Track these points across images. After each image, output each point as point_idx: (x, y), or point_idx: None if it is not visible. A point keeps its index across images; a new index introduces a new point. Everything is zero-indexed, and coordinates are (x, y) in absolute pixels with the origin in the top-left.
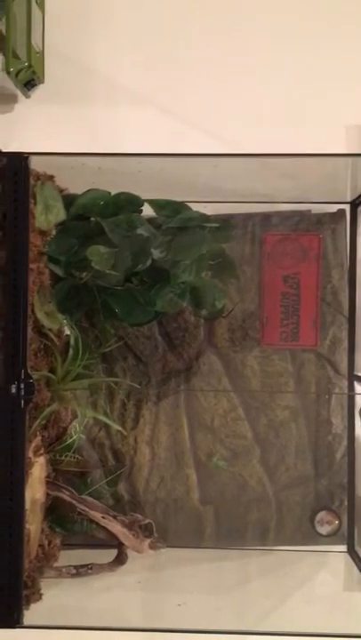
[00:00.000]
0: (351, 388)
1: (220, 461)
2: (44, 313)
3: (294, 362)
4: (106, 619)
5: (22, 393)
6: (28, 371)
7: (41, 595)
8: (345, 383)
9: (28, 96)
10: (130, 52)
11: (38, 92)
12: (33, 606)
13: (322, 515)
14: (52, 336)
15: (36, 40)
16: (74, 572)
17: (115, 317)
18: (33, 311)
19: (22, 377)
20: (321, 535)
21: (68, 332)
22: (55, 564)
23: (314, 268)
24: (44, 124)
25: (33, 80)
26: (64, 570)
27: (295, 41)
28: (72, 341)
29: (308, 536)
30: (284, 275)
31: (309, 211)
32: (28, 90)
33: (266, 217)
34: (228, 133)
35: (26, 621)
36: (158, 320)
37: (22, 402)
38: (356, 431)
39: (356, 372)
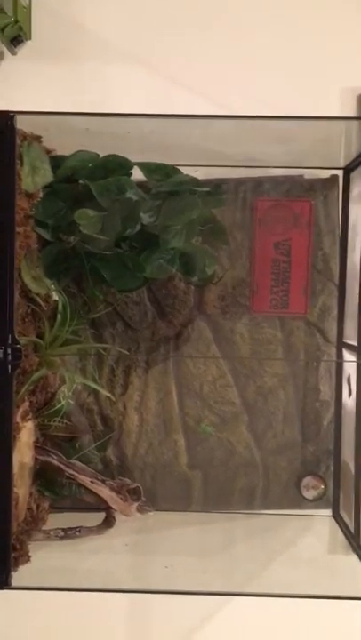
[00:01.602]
0: (340, 355)
1: (207, 427)
2: (32, 277)
3: (284, 329)
4: (94, 580)
5: (9, 358)
6: (16, 336)
7: (29, 557)
8: (334, 351)
9: (14, 53)
10: (120, 8)
11: (25, 48)
12: (21, 568)
13: (308, 479)
14: (39, 301)
15: None
16: (62, 534)
17: (103, 283)
18: (20, 276)
19: (9, 342)
20: (307, 500)
21: (56, 297)
22: (44, 527)
23: (305, 235)
24: (30, 83)
25: (20, 36)
26: (52, 533)
27: (290, 1)
28: (60, 307)
29: (294, 500)
30: (275, 241)
31: (302, 176)
32: (15, 46)
33: (257, 182)
34: (221, 95)
35: (14, 583)
36: (148, 286)
37: (9, 367)
38: (343, 398)
39: (345, 340)
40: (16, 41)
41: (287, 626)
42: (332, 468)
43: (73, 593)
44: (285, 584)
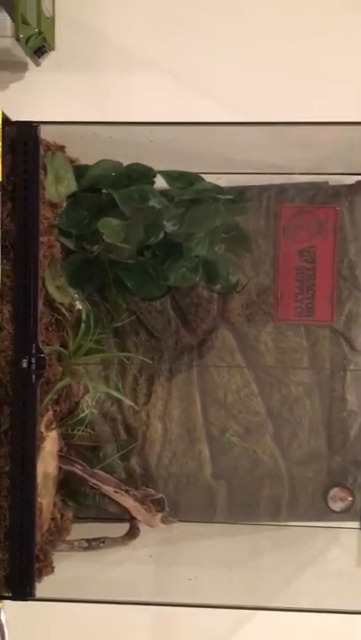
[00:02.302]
0: None
1: (232, 437)
2: (55, 287)
3: (309, 337)
4: (118, 592)
5: (33, 367)
6: (40, 345)
7: (53, 568)
8: None
9: (38, 64)
10: (142, 18)
11: (49, 59)
12: (45, 579)
13: (335, 491)
14: (63, 310)
15: (46, 5)
16: (86, 545)
17: (127, 291)
18: (44, 285)
19: (33, 351)
20: (334, 511)
21: (79, 306)
22: (67, 538)
23: (330, 242)
24: (54, 93)
25: (43, 47)
26: (76, 543)
27: (313, 4)
28: (83, 316)
29: (321, 512)
30: (300, 248)
31: (326, 182)
32: (39, 57)
33: (281, 189)
34: (244, 103)
35: (38, 594)
36: (171, 295)
37: (33, 376)
38: None
39: None
40: (40, 52)
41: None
42: (360, 480)
43: (97, 605)
44: (313, 598)
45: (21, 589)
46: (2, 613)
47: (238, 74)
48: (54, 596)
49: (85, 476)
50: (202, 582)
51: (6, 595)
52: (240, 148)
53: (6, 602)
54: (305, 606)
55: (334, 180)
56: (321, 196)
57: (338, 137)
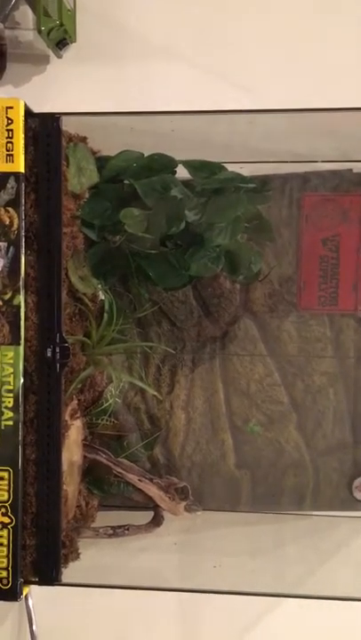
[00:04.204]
0: None
1: (255, 426)
2: (79, 277)
3: (333, 327)
4: (143, 579)
5: (58, 357)
6: (63, 335)
7: (79, 554)
8: None
9: (59, 56)
10: (163, 8)
11: (70, 51)
12: (71, 565)
13: (359, 481)
14: (86, 300)
15: None
16: (111, 532)
17: (149, 281)
18: (67, 276)
19: (57, 341)
20: (359, 501)
21: (102, 296)
22: (92, 525)
23: (355, 230)
24: (76, 85)
25: (65, 39)
26: (101, 530)
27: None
28: (106, 306)
29: (346, 502)
30: (323, 237)
31: (350, 170)
32: (60, 49)
33: (305, 177)
34: (266, 90)
35: (64, 579)
36: (193, 285)
37: (58, 365)
38: None
39: None
40: (61, 44)
41: (339, 629)
42: None
43: (121, 591)
44: (336, 586)
45: (48, 574)
46: (29, 599)
47: (260, 61)
48: (80, 582)
49: (110, 464)
50: (227, 570)
51: (33, 580)
52: (262, 136)
53: (33, 587)
54: (329, 594)
55: (359, 168)
56: (345, 184)
57: None
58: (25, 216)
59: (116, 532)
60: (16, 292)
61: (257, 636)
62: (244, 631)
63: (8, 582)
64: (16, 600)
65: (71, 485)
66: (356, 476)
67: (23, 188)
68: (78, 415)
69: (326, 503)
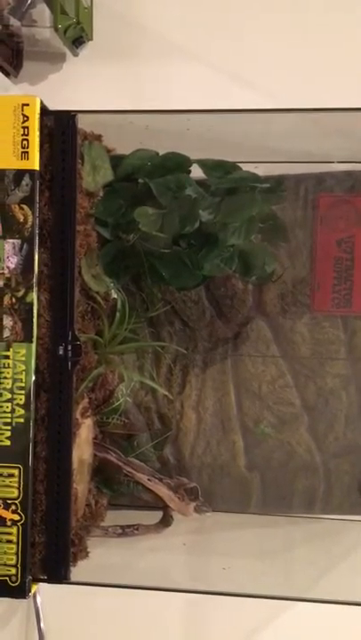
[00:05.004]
0: None
1: (266, 428)
2: (91, 276)
3: (346, 329)
4: (151, 578)
5: (69, 355)
6: (76, 333)
7: (87, 552)
8: None
9: (76, 54)
10: (180, 7)
11: (87, 49)
12: (80, 563)
13: None
14: (99, 299)
15: None
16: (120, 531)
17: (162, 281)
18: (80, 274)
19: (69, 339)
20: None
21: (115, 295)
22: (102, 524)
23: None
24: (92, 83)
25: (81, 37)
26: (110, 529)
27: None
28: (119, 305)
29: (357, 505)
30: (338, 238)
31: None
32: (77, 47)
33: (319, 178)
34: (281, 90)
35: (73, 578)
36: (206, 285)
37: (69, 363)
38: None
39: None
40: (78, 42)
41: (348, 633)
42: None
43: (129, 590)
44: (347, 591)
45: (57, 572)
46: (37, 597)
47: (277, 61)
48: (89, 580)
49: (120, 463)
50: (236, 572)
51: (42, 577)
52: (277, 136)
53: (42, 585)
54: (339, 598)
55: None
56: (360, 185)
57: None
58: (39, 213)
59: (126, 531)
60: (29, 289)
61: (265, 639)
62: (252, 634)
63: (17, 579)
64: (24, 597)
65: (81, 484)
66: None
67: (38, 186)
68: (89, 414)
69: (337, 506)
